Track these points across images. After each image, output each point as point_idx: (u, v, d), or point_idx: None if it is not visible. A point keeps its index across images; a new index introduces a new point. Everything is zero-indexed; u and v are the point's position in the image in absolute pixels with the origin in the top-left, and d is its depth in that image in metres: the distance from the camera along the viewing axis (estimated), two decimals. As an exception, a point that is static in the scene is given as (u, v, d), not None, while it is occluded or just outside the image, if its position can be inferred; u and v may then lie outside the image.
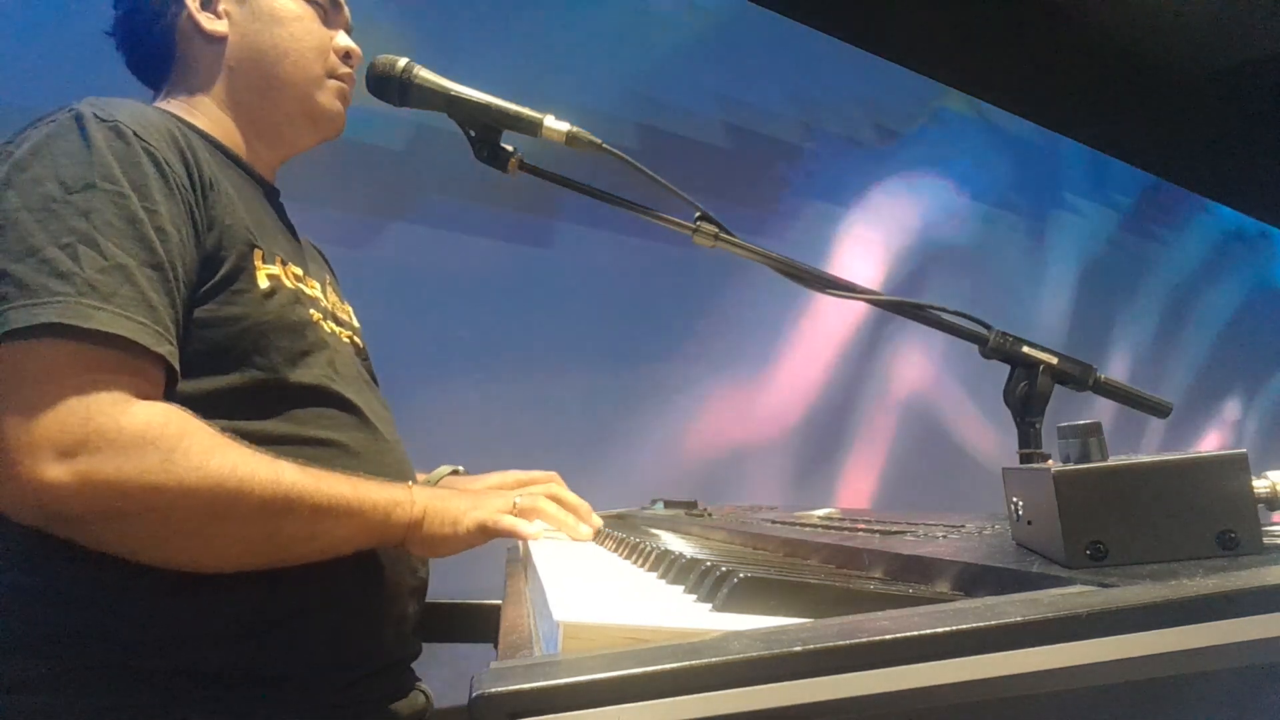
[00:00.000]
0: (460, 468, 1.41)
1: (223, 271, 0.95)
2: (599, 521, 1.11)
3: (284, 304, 1.01)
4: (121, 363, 0.82)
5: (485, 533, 0.99)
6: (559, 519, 1.05)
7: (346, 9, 1.22)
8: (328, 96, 1.17)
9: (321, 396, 1.02)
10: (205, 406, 0.90)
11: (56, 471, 0.77)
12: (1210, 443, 5.71)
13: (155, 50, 1.14)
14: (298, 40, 1.14)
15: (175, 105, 1.12)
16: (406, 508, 0.97)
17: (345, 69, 1.19)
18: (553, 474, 1.21)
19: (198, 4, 1.12)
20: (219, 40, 1.12)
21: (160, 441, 0.80)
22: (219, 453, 0.84)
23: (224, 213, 0.98)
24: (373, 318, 1.31)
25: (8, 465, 0.77)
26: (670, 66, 3.42)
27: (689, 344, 3.31)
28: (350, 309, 1.25)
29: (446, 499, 1.00)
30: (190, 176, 0.95)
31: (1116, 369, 5.09)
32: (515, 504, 1.04)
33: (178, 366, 0.88)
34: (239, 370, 0.95)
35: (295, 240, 1.19)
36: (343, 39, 1.19)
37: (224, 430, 0.88)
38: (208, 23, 1.12)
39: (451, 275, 2.72)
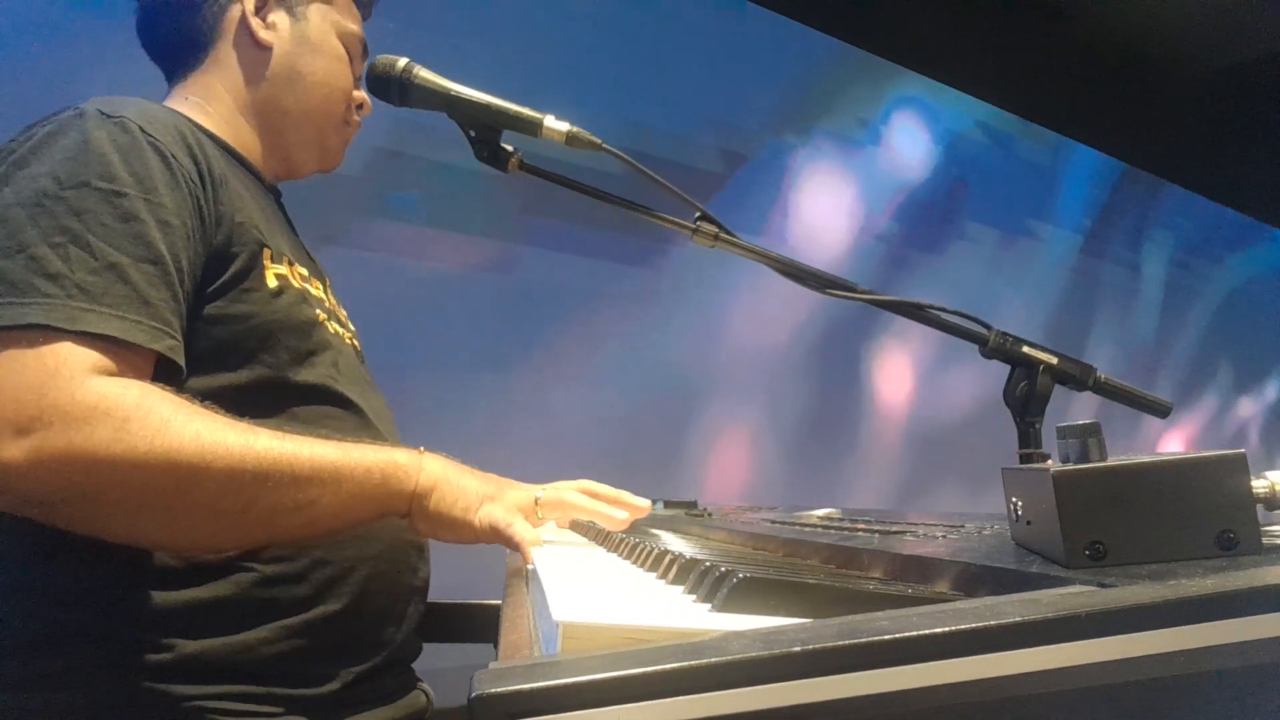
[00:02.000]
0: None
1: (233, 269, 0.95)
2: (645, 503, 1.04)
3: (291, 303, 1.01)
4: (100, 351, 0.80)
5: (497, 535, 0.93)
6: (590, 508, 1.00)
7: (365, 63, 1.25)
8: (337, 139, 1.22)
9: (325, 395, 1.02)
10: (211, 403, 0.90)
11: (12, 450, 0.74)
12: (1178, 442, 5.71)
13: (187, 37, 1.14)
14: (334, 77, 1.18)
15: (189, 105, 1.12)
16: (410, 473, 0.91)
17: (356, 118, 1.24)
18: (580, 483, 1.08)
19: (253, 8, 1.13)
20: (265, 49, 1.14)
21: (115, 411, 0.76)
22: (180, 420, 0.79)
23: (234, 210, 0.97)
24: (370, 317, 1.32)
25: None
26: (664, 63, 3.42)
27: (686, 345, 3.31)
28: (345, 313, 1.25)
29: (464, 478, 0.94)
30: (199, 172, 0.95)
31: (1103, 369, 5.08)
32: (537, 499, 0.99)
33: (181, 360, 0.87)
34: (246, 368, 0.95)
35: (299, 242, 1.19)
36: (360, 91, 1.24)
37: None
38: (260, 30, 1.13)
39: (449, 282, 2.72)
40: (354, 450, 0.88)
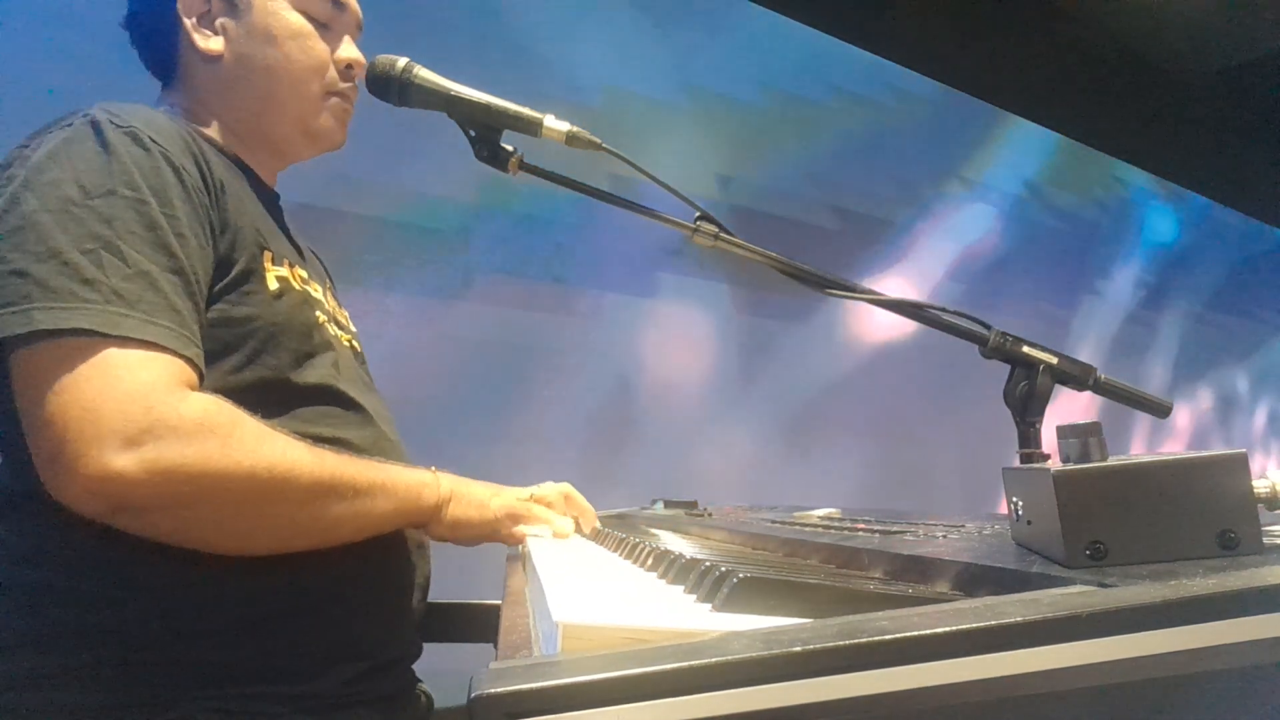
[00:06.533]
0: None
1: (234, 273, 0.96)
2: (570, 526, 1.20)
3: (293, 305, 1.01)
4: (162, 360, 0.83)
5: (513, 518, 1.11)
6: (550, 517, 1.15)
7: (354, 6, 1.17)
8: (325, 117, 1.14)
9: (328, 395, 1.02)
10: None
11: (124, 461, 0.77)
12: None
13: (158, 54, 1.14)
14: (293, 61, 1.10)
15: (181, 112, 1.11)
16: (434, 489, 1.04)
17: (345, 84, 1.14)
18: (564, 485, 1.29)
19: (194, 21, 1.09)
20: (215, 60, 1.09)
21: (218, 429, 0.83)
22: (268, 439, 0.87)
23: (235, 215, 0.98)
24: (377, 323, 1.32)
25: (72, 457, 0.77)
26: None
27: (686, 346, 3.31)
28: (346, 313, 1.25)
29: (469, 484, 1.10)
30: (204, 180, 0.95)
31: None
32: (531, 496, 1.17)
33: (203, 369, 0.89)
34: (248, 369, 0.95)
35: (297, 245, 1.19)
36: (345, 50, 1.14)
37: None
38: (203, 41, 1.09)
39: (452, 299, 2.73)
40: (392, 470, 0.99)
